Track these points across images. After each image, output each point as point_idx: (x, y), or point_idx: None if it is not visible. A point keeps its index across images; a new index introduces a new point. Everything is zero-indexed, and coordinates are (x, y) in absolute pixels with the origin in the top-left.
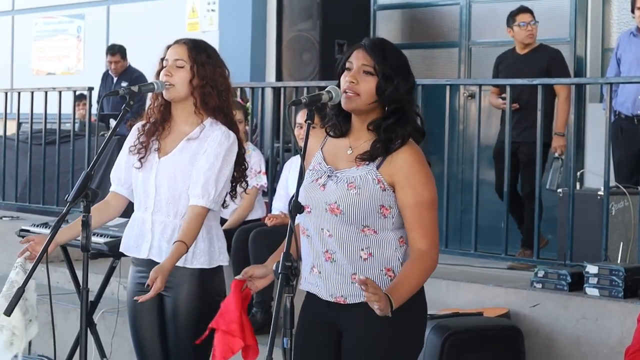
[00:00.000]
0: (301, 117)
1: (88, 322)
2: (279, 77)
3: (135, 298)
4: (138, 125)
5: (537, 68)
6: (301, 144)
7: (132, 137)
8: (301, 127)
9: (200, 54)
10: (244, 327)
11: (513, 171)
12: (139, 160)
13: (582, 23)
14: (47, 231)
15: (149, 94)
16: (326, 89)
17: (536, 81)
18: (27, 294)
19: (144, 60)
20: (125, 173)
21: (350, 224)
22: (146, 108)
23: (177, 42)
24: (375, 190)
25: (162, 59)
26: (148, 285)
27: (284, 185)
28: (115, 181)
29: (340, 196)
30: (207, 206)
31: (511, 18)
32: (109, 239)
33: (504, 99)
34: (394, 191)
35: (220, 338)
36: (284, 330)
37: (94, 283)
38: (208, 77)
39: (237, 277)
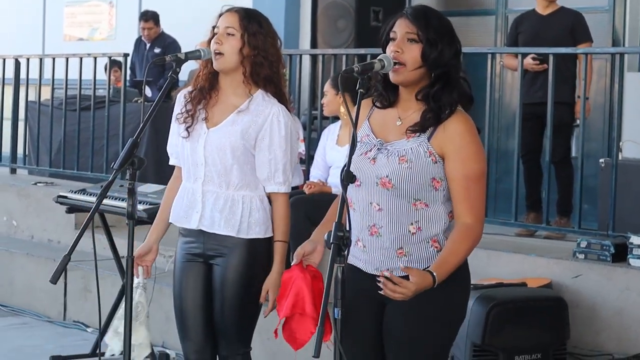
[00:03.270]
0: (327, 86)
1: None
2: (313, 45)
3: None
4: (184, 92)
5: (562, 29)
6: (327, 112)
7: (179, 105)
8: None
9: (251, 23)
10: (317, 307)
11: (538, 136)
12: (186, 129)
13: None
14: (86, 198)
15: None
16: (378, 58)
17: (580, 50)
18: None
19: (177, 26)
20: (177, 147)
21: (401, 197)
22: (193, 76)
23: (228, 10)
24: (427, 163)
25: (214, 27)
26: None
27: (321, 153)
28: (172, 155)
29: (392, 170)
30: (288, 192)
31: None
32: (147, 206)
33: (534, 59)
34: (444, 163)
35: (298, 322)
36: (335, 301)
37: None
38: (259, 47)
39: (293, 262)
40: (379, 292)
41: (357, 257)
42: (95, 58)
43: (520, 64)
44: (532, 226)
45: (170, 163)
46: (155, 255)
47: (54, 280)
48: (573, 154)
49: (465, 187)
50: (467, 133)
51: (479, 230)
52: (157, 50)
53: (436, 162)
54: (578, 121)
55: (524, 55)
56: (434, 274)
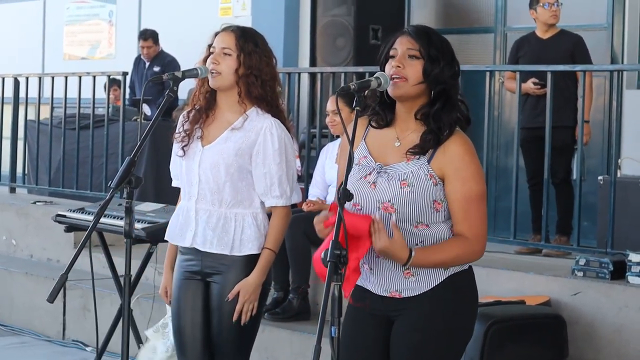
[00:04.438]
0: (331, 104)
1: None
2: (312, 63)
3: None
4: (184, 112)
5: (562, 53)
6: (334, 131)
7: (179, 125)
8: (335, 114)
9: (247, 43)
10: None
11: (541, 159)
12: (182, 148)
13: (619, 9)
14: (84, 216)
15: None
16: (375, 75)
17: (578, 67)
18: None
19: (176, 44)
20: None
21: (404, 221)
22: (191, 94)
23: (225, 29)
24: (428, 186)
25: (210, 46)
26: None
27: (320, 172)
28: (175, 177)
29: (394, 195)
30: (287, 204)
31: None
32: (146, 225)
33: (535, 84)
34: (443, 184)
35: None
36: (332, 319)
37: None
38: (254, 67)
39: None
40: None
41: (365, 279)
42: (94, 77)
43: (518, 85)
44: (532, 244)
45: (173, 185)
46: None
47: (51, 299)
48: (574, 175)
49: (465, 208)
50: (467, 154)
51: (476, 247)
52: (156, 69)
53: (437, 185)
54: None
55: (523, 76)
56: (413, 253)
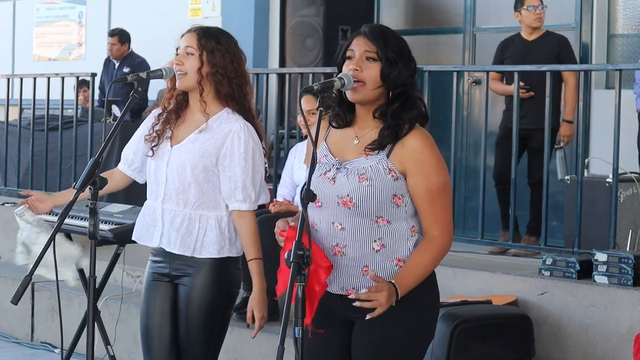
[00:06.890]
0: (304, 104)
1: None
2: (282, 64)
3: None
4: (155, 112)
5: (547, 54)
6: (305, 131)
7: (148, 122)
8: (309, 114)
9: (209, 41)
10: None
11: (519, 159)
12: (151, 148)
13: (587, 9)
14: (52, 218)
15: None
16: (338, 76)
17: (544, 67)
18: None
19: (146, 45)
20: (134, 155)
21: (363, 216)
22: (161, 95)
23: (188, 30)
24: (387, 180)
25: (177, 49)
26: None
27: (288, 172)
28: (123, 159)
29: (353, 189)
30: (251, 209)
31: (519, 1)
32: (113, 226)
33: (521, 87)
34: (405, 179)
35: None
36: (296, 320)
37: (98, 270)
38: (218, 65)
39: (292, 224)
40: (353, 304)
41: None
42: (63, 78)
43: (485, 87)
44: (499, 244)
45: (118, 166)
46: (47, 210)
47: (15, 300)
48: (559, 177)
49: (430, 201)
50: (426, 148)
51: (444, 241)
52: (126, 70)
53: (397, 179)
54: (562, 143)
55: (507, 78)
56: (395, 284)
